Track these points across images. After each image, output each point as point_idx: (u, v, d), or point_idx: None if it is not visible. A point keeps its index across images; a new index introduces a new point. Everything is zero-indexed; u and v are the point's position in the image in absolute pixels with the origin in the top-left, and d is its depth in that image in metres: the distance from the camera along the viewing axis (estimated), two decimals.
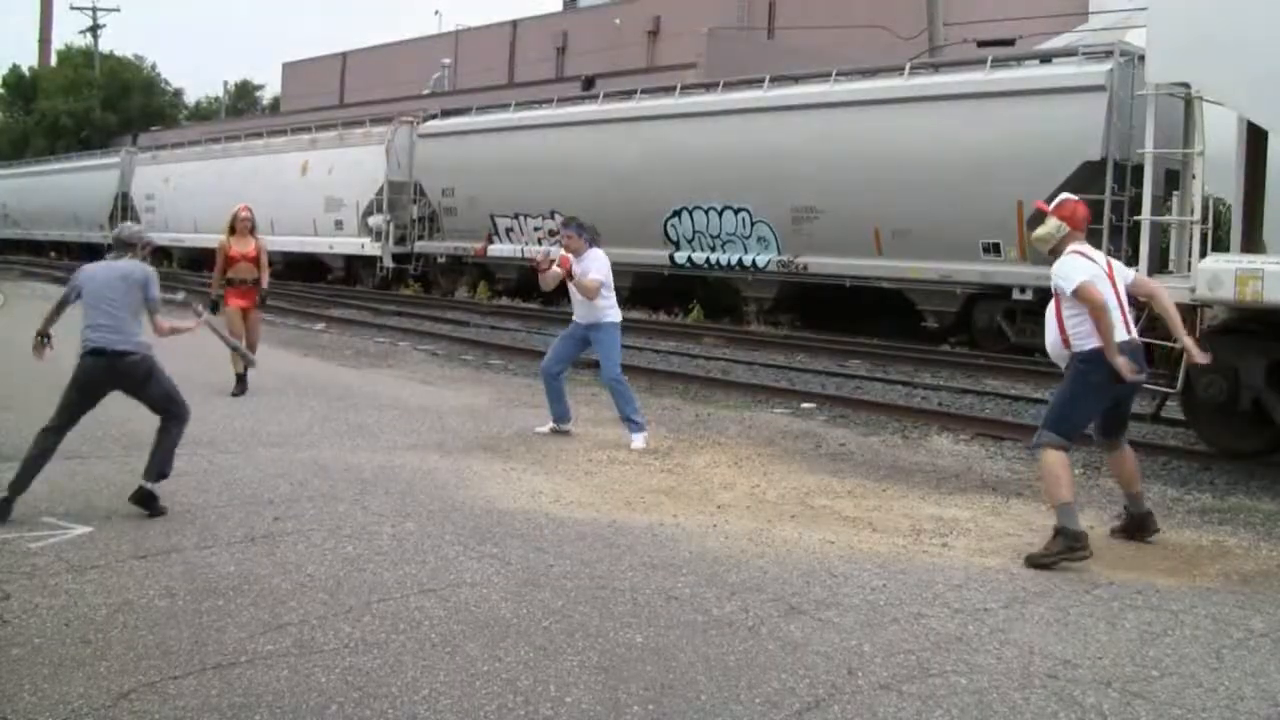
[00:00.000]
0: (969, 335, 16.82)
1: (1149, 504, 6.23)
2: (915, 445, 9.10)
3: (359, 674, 3.92)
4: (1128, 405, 6.27)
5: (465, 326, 18.58)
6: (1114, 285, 5.93)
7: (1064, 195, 6.30)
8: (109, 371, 6.05)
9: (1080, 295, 5.73)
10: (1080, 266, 5.86)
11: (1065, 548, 5.62)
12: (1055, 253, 6.04)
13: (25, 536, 5.46)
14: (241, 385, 10.13)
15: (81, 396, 6.11)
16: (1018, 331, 16.02)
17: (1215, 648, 4.47)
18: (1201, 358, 6.06)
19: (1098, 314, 5.71)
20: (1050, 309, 6.04)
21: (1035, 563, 5.59)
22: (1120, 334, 5.79)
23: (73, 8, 66.07)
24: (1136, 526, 6.23)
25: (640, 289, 21.55)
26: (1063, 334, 5.96)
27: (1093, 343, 5.78)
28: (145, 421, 8.57)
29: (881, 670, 4.11)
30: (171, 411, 6.24)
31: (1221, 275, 7.63)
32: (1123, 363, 5.70)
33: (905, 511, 6.70)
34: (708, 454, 8.33)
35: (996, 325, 16.23)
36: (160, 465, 6.11)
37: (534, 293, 24.15)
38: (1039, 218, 6.23)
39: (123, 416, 8.75)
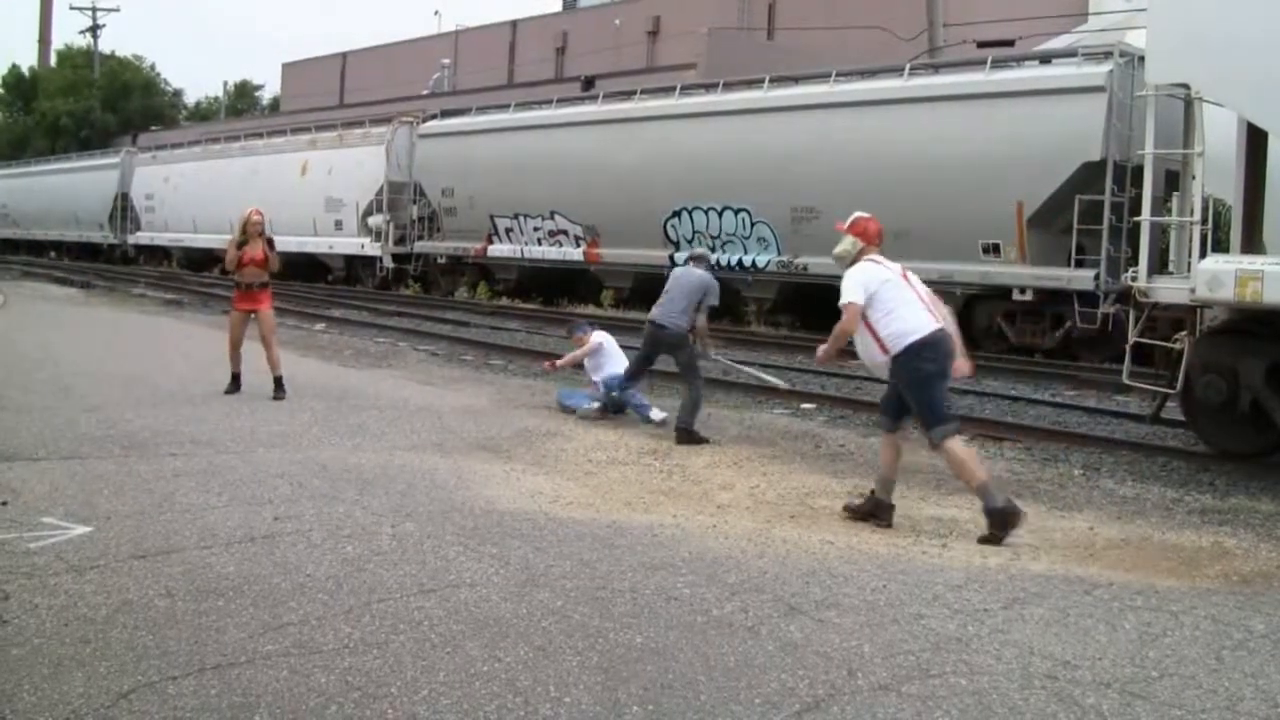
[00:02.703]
0: (969, 336, 16.80)
1: (1003, 499, 6.17)
2: (915, 445, 9.09)
3: (359, 674, 3.92)
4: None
5: (465, 327, 18.57)
6: (912, 285, 6.42)
7: (857, 214, 6.72)
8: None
9: (847, 310, 6.26)
10: (864, 277, 6.32)
11: (1001, 523, 6.01)
12: (851, 262, 6.50)
13: (25, 537, 5.46)
14: (280, 390, 10.10)
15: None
16: (1017, 332, 16.03)
17: (1215, 649, 4.47)
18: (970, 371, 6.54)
19: (848, 324, 6.27)
20: (861, 325, 6.31)
21: (987, 541, 6.01)
22: (931, 325, 6.21)
23: (73, 8, 66.07)
24: (871, 511, 6.44)
25: (640, 289, 21.55)
26: (878, 341, 6.26)
27: (908, 339, 6.15)
28: (145, 421, 8.60)
29: (881, 671, 4.11)
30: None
31: (1221, 276, 7.63)
32: (831, 352, 6.49)
33: (905, 512, 6.69)
34: (707, 454, 8.33)
35: (996, 326, 16.24)
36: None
37: (533, 293, 24.21)
38: (838, 237, 6.64)
39: (123, 416, 8.76)
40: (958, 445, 6.23)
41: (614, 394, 9.65)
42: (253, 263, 10.31)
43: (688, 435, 8.73)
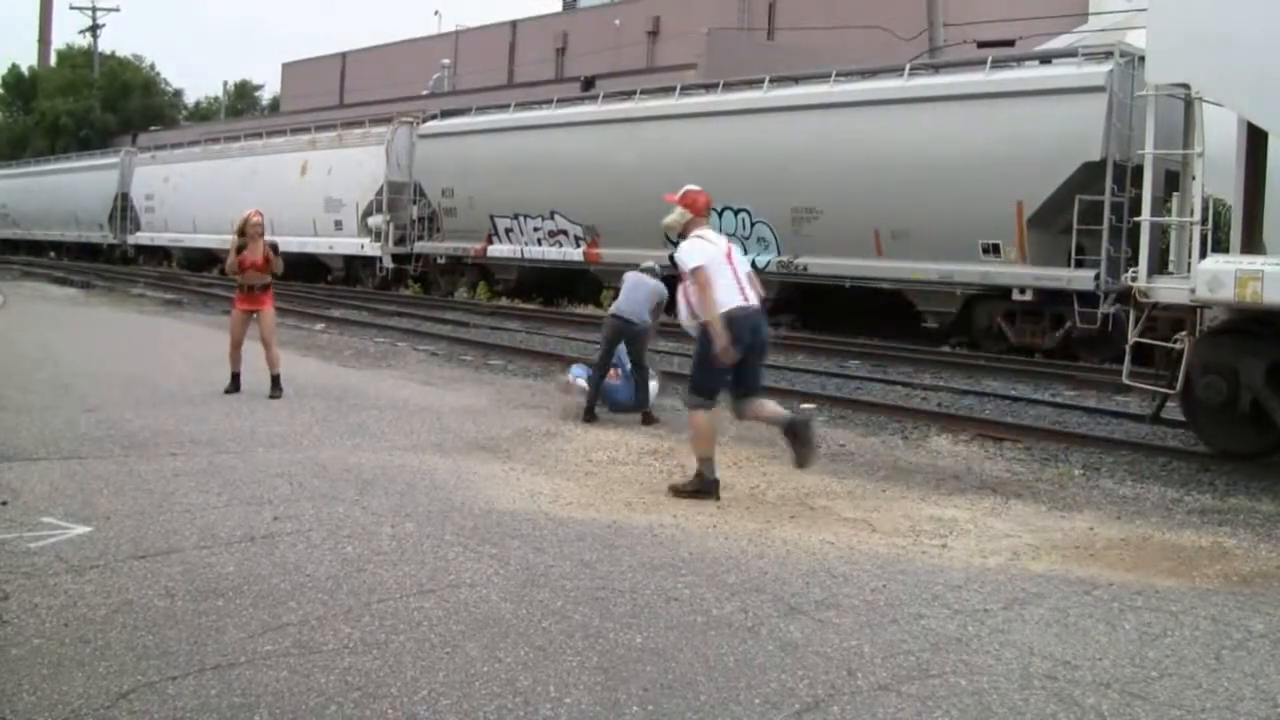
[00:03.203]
0: (968, 336, 16.83)
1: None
2: (915, 446, 9.10)
3: (358, 674, 3.92)
4: (755, 364, 7.10)
5: (465, 327, 18.57)
6: (732, 264, 6.98)
7: (687, 186, 7.29)
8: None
9: (696, 276, 6.79)
10: (698, 250, 6.91)
11: (699, 488, 6.84)
12: (682, 236, 7.13)
13: (25, 537, 5.46)
14: (277, 388, 10.15)
15: None
16: (1017, 332, 16.04)
17: (1215, 649, 4.47)
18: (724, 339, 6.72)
19: (705, 292, 6.76)
20: (680, 287, 7.04)
21: (676, 491, 6.85)
22: (737, 300, 6.83)
23: (73, 8, 66.12)
24: (794, 436, 6.94)
25: None
26: (690, 307, 6.95)
27: (715, 310, 6.74)
28: (145, 421, 8.59)
29: (881, 671, 4.11)
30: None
31: (1221, 276, 7.63)
32: (720, 333, 6.64)
33: (905, 512, 6.70)
34: None
35: (996, 326, 16.24)
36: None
37: (533, 293, 24.21)
38: (669, 208, 7.23)
39: (123, 416, 8.76)
40: (702, 419, 6.94)
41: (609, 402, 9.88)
42: (253, 267, 10.31)
43: (652, 418, 9.67)
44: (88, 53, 66.30)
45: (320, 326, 18.08)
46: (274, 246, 10.45)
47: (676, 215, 7.14)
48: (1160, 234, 9.75)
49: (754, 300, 6.93)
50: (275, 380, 10.11)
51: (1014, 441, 9.32)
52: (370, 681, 3.86)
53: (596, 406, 9.67)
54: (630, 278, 10.13)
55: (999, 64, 16.42)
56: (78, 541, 5.43)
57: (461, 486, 6.90)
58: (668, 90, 21.36)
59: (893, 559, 5.64)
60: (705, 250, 6.91)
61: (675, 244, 7.55)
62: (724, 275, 6.84)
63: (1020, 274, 15.65)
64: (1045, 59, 16.50)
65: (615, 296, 10.37)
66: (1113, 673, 4.17)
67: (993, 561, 5.67)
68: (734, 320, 6.71)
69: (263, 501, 6.32)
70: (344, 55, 55.12)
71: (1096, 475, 8.14)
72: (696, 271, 6.77)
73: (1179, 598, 5.13)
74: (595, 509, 6.51)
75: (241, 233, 10.35)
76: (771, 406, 7.13)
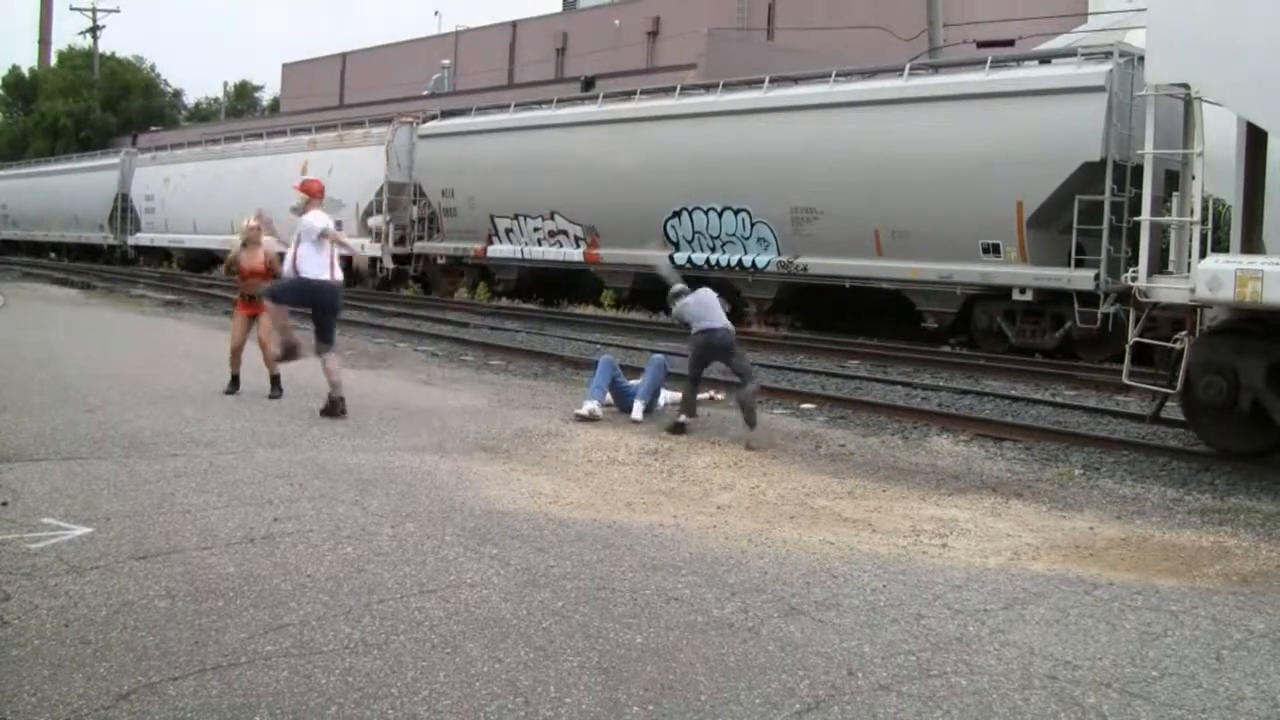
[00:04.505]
0: (969, 336, 16.83)
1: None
2: (915, 446, 9.10)
3: (359, 675, 3.92)
4: (327, 317, 9.45)
5: (465, 327, 18.57)
6: (334, 238, 9.57)
7: (306, 177, 10.12)
8: None
9: (326, 234, 9.39)
10: (315, 221, 9.43)
11: (332, 411, 9.20)
12: (302, 214, 9.53)
13: (25, 537, 5.46)
14: (276, 388, 10.22)
15: None
16: (1017, 332, 16.04)
17: (1215, 648, 4.47)
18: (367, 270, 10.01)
19: (338, 243, 9.70)
20: (289, 252, 9.44)
21: (327, 412, 9.19)
22: (325, 274, 9.34)
23: (73, 8, 66.18)
24: (330, 409, 9.24)
25: (641, 290, 21.55)
26: (295, 266, 9.30)
27: (306, 274, 9.28)
28: (145, 421, 8.60)
29: (881, 671, 4.11)
30: None
31: (1221, 276, 7.63)
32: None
33: (905, 512, 6.70)
34: (707, 454, 8.33)
35: (996, 326, 16.24)
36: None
37: (533, 293, 24.21)
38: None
39: (123, 417, 8.76)
40: (333, 360, 9.42)
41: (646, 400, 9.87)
42: (254, 274, 10.46)
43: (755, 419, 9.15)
44: (88, 54, 66.31)
45: None
46: (280, 255, 10.48)
47: (300, 200, 9.70)
48: (1160, 234, 9.75)
49: (339, 276, 9.59)
50: (275, 380, 10.15)
51: (1014, 441, 9.32)
52: (371, 682, 3.87)
53: (686, 419, 9.34)
54: (705, 294, 9.73)
55: (999, 64, 16.42)
56: (78, 542, 5.43)
57: (462, 487, 6.91)
58: (668, 90, 21.36)
59: (893, 559, 5.64)
60: (317, 224, 9.41)
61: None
62: (324, 246, 9.35)
63: (1020, 274, 15.65)
64: (1045, 59, 16.49)
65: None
66: (1113, 672, 4.18)
67: (993, 561, 5.67)
68: (318, 288, 9.26)
69: (263, 502, 6.32)
70: (344, 56, 55.11)
71: (1096, 475, 8.14)
72: (325, 231, 9.38)
73: (1179, 597, 5.13)
74: (595, 509, 6.51)
75: (244, 241, 10.58)
76: (333, 363, 9.40)
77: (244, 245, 10.65)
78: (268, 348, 10.25)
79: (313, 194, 9.75)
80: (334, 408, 9.25)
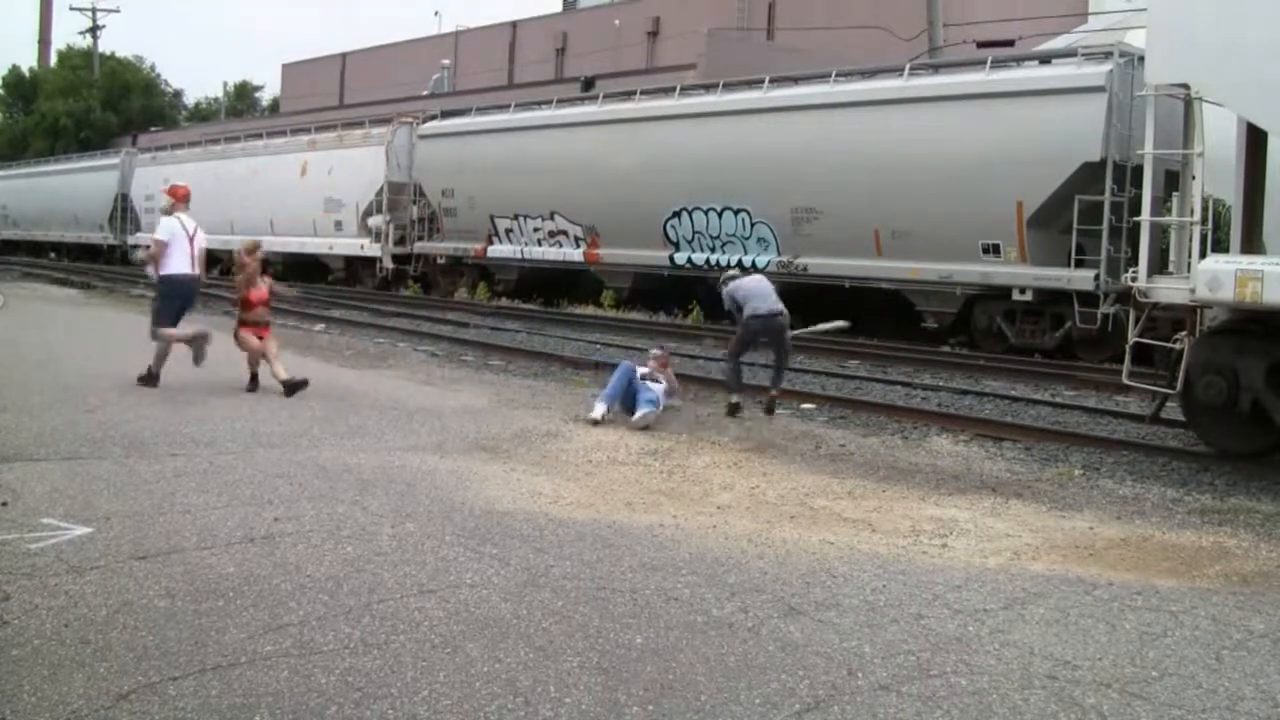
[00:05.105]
0: (968, 336, 16.83)
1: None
2: (915, 446, 9.11)
3: (359, 675, 3.92)
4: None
5: (465, 327, 18.57)
6: (191, 242, 10.49)
7: (174, 182, 11.51)
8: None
9: (157, 244, 10.52)
10: (167, 226, 10.54)
11: (148, 378, 10.20)
12: (167, 214, 10.67)
13: (25, 537, 5.46)
14: (254, 383, 10.51)
15: None
16: (1017, 332, 16.04)
17: (1215, 649, 4.47)
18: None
19: (156, 251, 10.50)
20: (164, 251, 10.47)
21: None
22: (186, 269, 10.44)
23: (72, 8, 66.18)
24: (147, 377, 10.26)
25: (640, 290, 21.56)
26: (155, 266, 10.54)
27: (170, 271, 10.38)
28: (145, 421, 8.59)
29: (881, 671, 4.11)
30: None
31: (1221, 276, 7.63)
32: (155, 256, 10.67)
33: (905, 512, 6.70)
34: (707, 454, 8.33)
35: (996, 326, 16.25)
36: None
37: (533, 293, 24.22)
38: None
39: (123, 417, 8.76)
40: (173, 334, 10.31)
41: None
42: (260, 303, 10.79)
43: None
44: (88, 53, 66.31)
45: (320, 327, 18.08)
46: (272, 287, 11.34)
47: (167, 203, 10.89)
48: (1160, 234, 9.75)
49: (199, 270, 10.64)
50: (285, 385, 10.25)
51: (1014, 441, 9.33)
52: (371, 682, 3.87)
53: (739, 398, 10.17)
54: (758, 279, 10.62)
55: (999, 64, 16.43)
56: (78, 542, 5.43)
57: (462, 487, 6.91)
58: (668, 91, 21.36)
59: (893, 559, 5.64)
60: (173, 226, 10.44)
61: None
62: (183, 248, 10.40)
63: (1020, 274, 15.65)
64: (1045, 59, 16.50)
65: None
66: (1113, 672, 4.18)
67: (993, 561, 5.67)
68: (175, 281, 10.40)
69: (263, 502, 6.32)
70: (344, 56, 55.11)
71: (1096, 475, 8.14)
72: (155, 241, 10.61)
73: (1179, 598, 5.13)
74: (595, 509, 6.51)
75: (244, 274, 10.94)
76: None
77: (245, 274, 10.95)
78: (274, 362, 10.42)
79: (177, 197, 10.83)
80: (151, 379, 10.28)
